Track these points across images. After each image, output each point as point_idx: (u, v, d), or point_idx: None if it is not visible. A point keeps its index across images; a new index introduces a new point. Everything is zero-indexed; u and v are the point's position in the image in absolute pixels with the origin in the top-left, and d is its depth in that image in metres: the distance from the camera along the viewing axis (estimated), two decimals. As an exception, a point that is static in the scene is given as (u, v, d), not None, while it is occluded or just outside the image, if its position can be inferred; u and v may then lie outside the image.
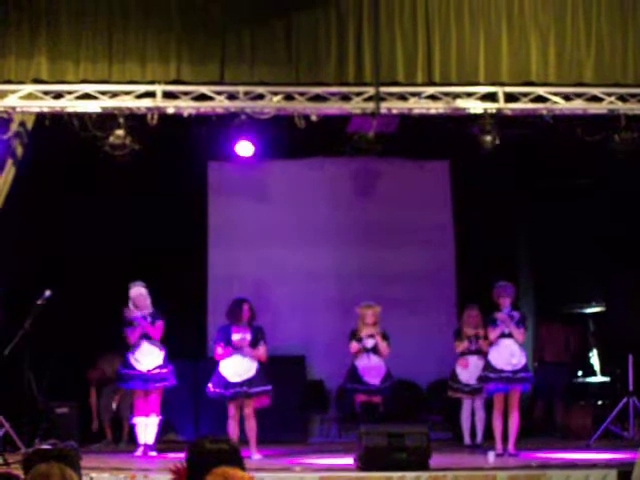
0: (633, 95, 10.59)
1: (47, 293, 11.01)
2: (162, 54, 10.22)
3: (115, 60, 10.22)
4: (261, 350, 11.32)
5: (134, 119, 10.47)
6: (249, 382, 11.17)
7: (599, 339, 13.90)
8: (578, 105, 10.60)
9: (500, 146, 10.61)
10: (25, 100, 10.42)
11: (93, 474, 9.40)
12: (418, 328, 13.60)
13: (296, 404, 13.10)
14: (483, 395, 11.85)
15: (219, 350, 11.33)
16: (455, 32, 10.34)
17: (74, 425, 12.03)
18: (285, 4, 10.27)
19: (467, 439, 12.19)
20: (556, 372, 13.60)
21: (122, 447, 12.48)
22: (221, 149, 11.72)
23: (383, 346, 11.76)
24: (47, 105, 10.43)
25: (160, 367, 11.50)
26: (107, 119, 10.44)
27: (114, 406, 12.89)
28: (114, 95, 10.43)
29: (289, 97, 10.50)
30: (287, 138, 11.97)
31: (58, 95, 10.43)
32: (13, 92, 10.39)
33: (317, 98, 10.51)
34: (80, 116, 10.44)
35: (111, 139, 10.44)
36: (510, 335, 11.22)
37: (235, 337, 11.29)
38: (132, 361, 11.49)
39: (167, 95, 10.46)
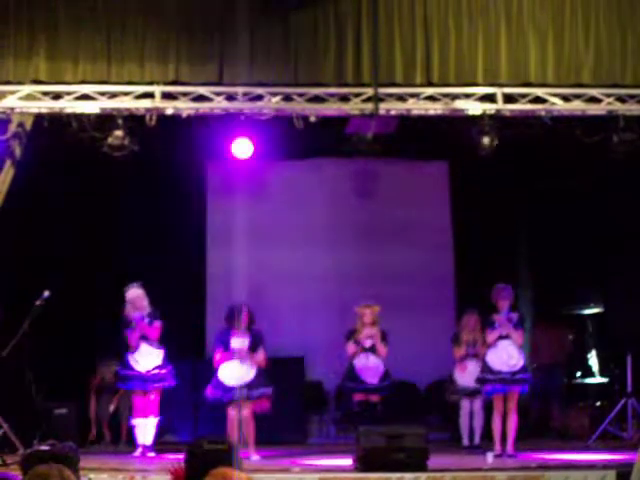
0: (632, 96, 10.60)
1: (46, 294, 11.01)
2: (161, 55, 10.22)
3: (114, 61, 10.23)
4: (260, 355, 11.31)
5: (133, 120, 10.47)
6: (248, 386, 11.16)
7: (598, 340, 13.90)
8: (577, 106, 10.60)
9: (499, 147, 10.61)
10: (24, 101, 10.42)
11: (92, 475, 9.39)
12: (417, 329, 13.60)
13: (295, 405, 13.10)
14: (482, 397, 11.85)
15: (218, 356, 11.32)
16: (454, 33, 10.35)
17: (73, 426, 12.01)
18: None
19: (465, 440, 12.19)
20: (554, 373, 13.59)
21: (121, 448, 12.47)
22: (220, 150, 11.71)
23: (381, 346, 11.76)
24: (46, 106, 10.43)
25: (159, 367, 11.50)
26: (106, 120, 10.44)
27: (112, 407, 12.88)
28: (113, 96, 10.43)
29: (288, 98, 10.50)
30: (286, 139, 11.96)
31: (57, 96, 10.43)
32: (12, 93, 10.39)
33: (316, 99, 10.52)
34: (79, 117, 10.44)
35: (110, 140, 10.45)
36: (508, 337, 11.23)
37: (234, 342, 11.27)
38: (131, 362, 11.49)
39: (166, 96, 10.46)
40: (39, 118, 10.56)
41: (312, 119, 10.49)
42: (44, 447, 4.84)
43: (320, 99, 10.50)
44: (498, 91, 10.52)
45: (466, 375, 11.99)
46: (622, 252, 13.19)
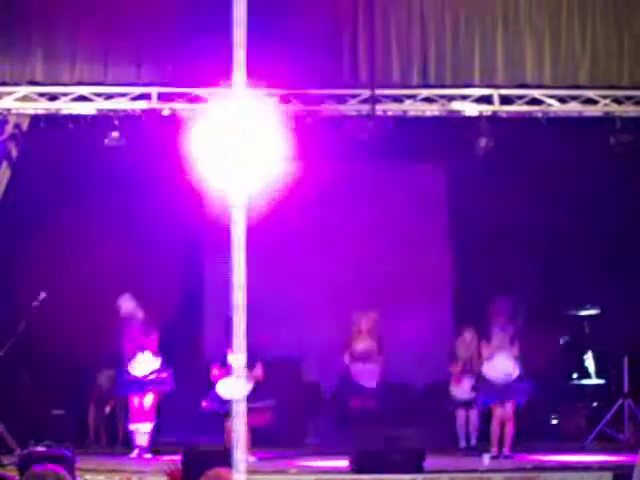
0: (629, 97, 10.60)
1: (42, 295, 11.01)
2: (157, 56, 10.22)
3: (110, 62, 10.22)
4: (258, 370, 11.28)
5: (130, 121, 10.46)
6: (247, 399, 11.08)
7: (594, 341, 13.88)
8: (573, 108, 10.61)
9: (496, 148, 10.62)
10: (20, 102, 10.41)
11: (88, 476, 9.39)
12: (414, 331, 13.56)
13: (291, 406, 13.08)
14: (477, 406, 11.88)
15: (215, 371, 11.30)
16: (450, 35, 10.34)
17: (69, 427, 12.00)
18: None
19: (462, 442, 12.20)
20: (550, 375, 13.57)
21: (117, 449, 12.45)
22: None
23: (378, 358, 11.81)
24: (42, 107, 10.43)
25: (157, 372, 11.50)
26: (103, 121, 10.44)
27: (107, 409, 12.85)
28: (109, 97, 10.43)
29: (284, 99, 10.50)
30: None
31: (53, 97, 10.42)
32: (8, 94, 10.38)
33: (313, 100, 10.51)
34: (75, 118, 10.45)
35: (107, 141, 10.44)
36: (504, 349, 11.26)
37: (231, 359, 11.21)
38: (128, 368, 11.50)
39: (162, 97, 10.46)
40: (35, 119, 10.56)
41: (308, 120, 10.49)
42: (40, 448, 4.85)
43: (317, 100, 10.50)
44: (494, 92, 10.52)
45: (461, 390, 12.05)
46: (619, 253, 13.18)
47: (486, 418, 11.55)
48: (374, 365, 11.85)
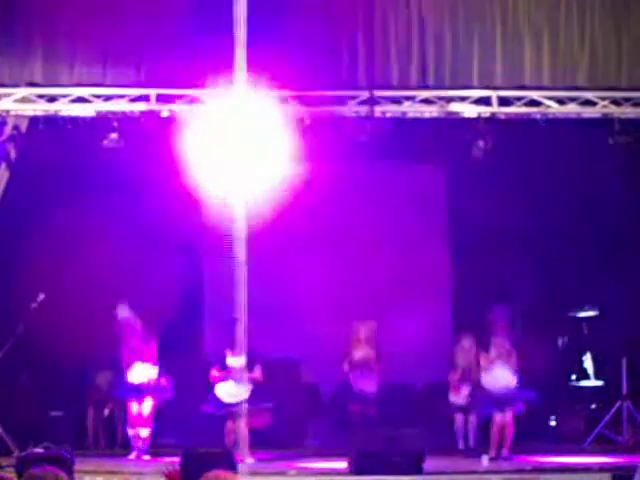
0: (627, 99, 10.60)
1: (41, 296, 11.00)
2: (156, 58, 10.22)
3: (109, 64, 10.22)
4: (257, 372, 11.27)
5: (128, 122, 10.47)
6: (246, 401, 11.10)
7: (593, 343, 13.88)
8: (572, 109, 10.61)
9: (495, 149, 10.63)
10: (19, 103, 10.41)
11: (87, 478, 9.38)
12: (414, 331, 13.55)
13: (291, 408, 13.07)
14: (475, 412, 11.89)
15: (214, 373, 11.29)
16: (449, 36, 10.35)
17: (68, 429, 11.99)
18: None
19: (461, 443, 12.19)
20: (548, 376, 13.56)
21: (116, 451, 12.44)
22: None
23: (376, 366, 11.83)
24: (41, 108, 10.43)
25: (156, 380, 11.50)
26: (102, 122, 10.45)
27: (106, 412, 12.83)
28: (108, 98, 10.43)
29: (284, 100, 10.49)
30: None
31: (52, 98, 10.42)
32: (7, 95, 10.38)
33: (312, 101, 10.51)
34: (74, 119, 10.45)
35: (105, 142, 10.45)
36: (502, 359, 11.27)
37: (230, 361, 11.22)
38: (127, 373, 11.50)
39: (161, 98, 10.46)
40: (34, 121, 10.56)
41: (307, 121, 10.49)
42: (39, 450, 4.84)
43: (316, 101, 10.50)
44: (493, 94, 10.52)
45: (460, 398, 12.05)
46: (618, 255, 13.17)
47: (485, 424, 11.56)
48: (373, 373, 11.88)
